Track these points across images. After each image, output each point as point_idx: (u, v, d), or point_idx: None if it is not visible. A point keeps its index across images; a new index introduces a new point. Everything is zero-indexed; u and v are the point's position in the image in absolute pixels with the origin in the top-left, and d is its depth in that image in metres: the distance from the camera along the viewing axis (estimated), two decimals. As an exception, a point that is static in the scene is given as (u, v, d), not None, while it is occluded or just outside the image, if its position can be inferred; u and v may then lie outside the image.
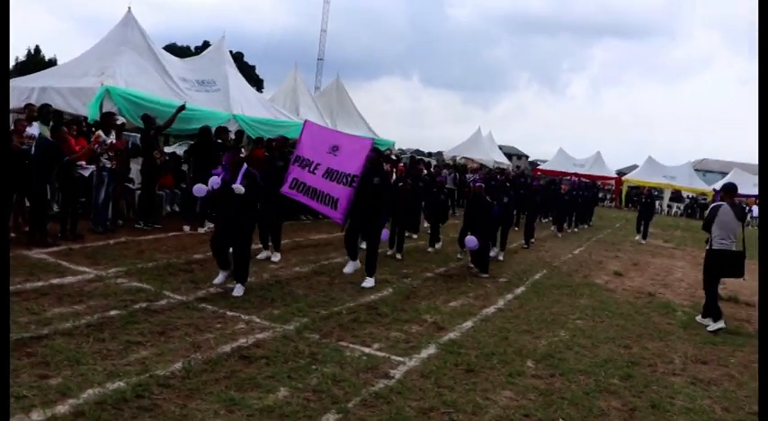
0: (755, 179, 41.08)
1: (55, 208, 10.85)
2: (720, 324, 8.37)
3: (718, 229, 8.50)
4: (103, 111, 10.92)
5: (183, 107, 11.52)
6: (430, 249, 12.80)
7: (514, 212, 15.09)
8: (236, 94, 14.61)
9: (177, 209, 13.34)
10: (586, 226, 22.97)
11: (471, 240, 10.19)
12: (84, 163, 9.64)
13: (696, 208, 42.05)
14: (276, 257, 9.66)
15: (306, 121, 9.44)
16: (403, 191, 11.02)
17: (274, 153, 9.81)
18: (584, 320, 8.26)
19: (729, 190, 8.88)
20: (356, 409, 4.60)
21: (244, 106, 14.52)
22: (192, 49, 54.61)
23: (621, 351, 7.01)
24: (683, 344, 7.51)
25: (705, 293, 8.83)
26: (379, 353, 5.93)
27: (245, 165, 7.61)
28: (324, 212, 8.67)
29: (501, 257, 12.58)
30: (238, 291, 7.45)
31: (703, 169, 65.71)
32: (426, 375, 5.50)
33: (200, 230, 11.42)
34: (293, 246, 10.82)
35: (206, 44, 52.45)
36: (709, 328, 8.37)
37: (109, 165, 10.10)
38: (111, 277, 7.56)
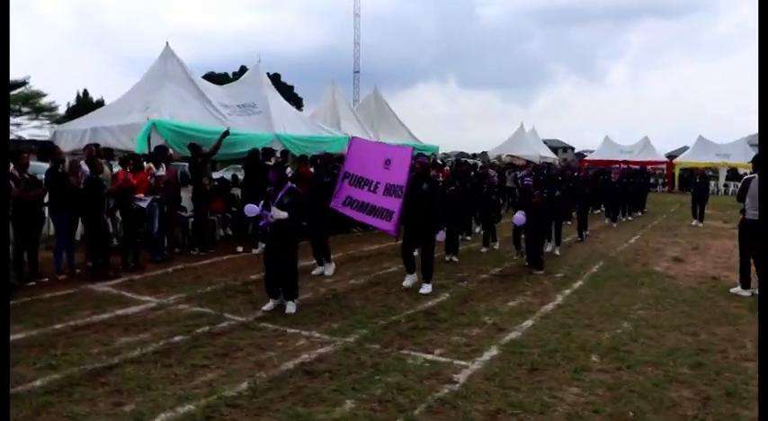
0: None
1: (115, 242, 11.21)
2: (747, 292, 8.93)
3: (750, 200, 8.87)
4: (151, 143, 11.25)
5: (227, 132, 11.77)
6: (483, 250, 12.77)
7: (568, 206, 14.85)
8: (276, 114, 14.87)
9: (230, 232, 13.59)
10: (640, 213, 22.48)
11: (519, 218, 10.17)
12: (142, 194, 9.90)
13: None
14: (330, 270, 9.76)
15: (352, 138, 9.59)
16: (453, 194, 11.00)
17: (320, 169, 9.92)
18: (646, 310, 8.09)
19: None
20: (423, 417, 4.61)
21: (285, 125, 14.76)
22: (230, 74, 55.56)
23: (689, 339, 6.83)
24: (753, 328, 7.24)
25: (740, 261, 9.22)
26: (441, 359, 5.92)
27: (289, 183, 7.72)
28: (376, 226, 8.76)
29: (557, 252, 12.42)
30: (290, 308, 7.53)
31: (758, 143, 63.40)
32: (490, 377, 5.47)
33: (254, 251, 11.59)
34: (346, 259, 10.91)
35: (243, 69, 53.40)
36: (733, 290, 9.11)
37: (159, 197, 10.35)
38: (173, 304, 7.76)
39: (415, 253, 9.15)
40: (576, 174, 18.25)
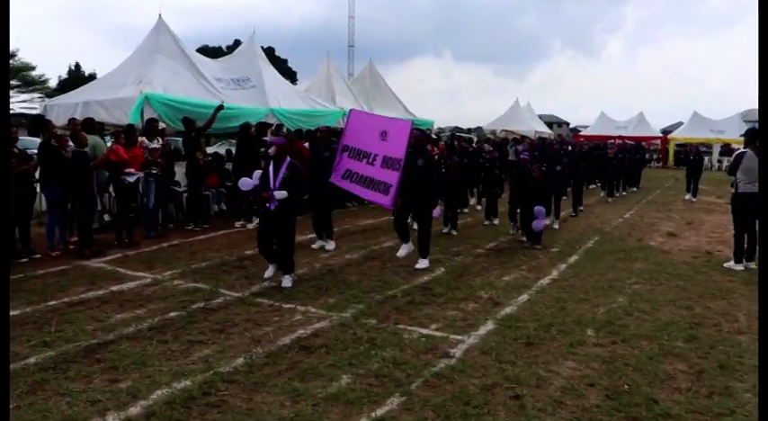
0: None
1: (106, 218, 11.16)
2: (740, 266, 9.03)
3: (743, 174, 8.93)
4: (144, 117, 11.13)
5: (221, 107, 11.65)
6: (486, 223, 12.85)
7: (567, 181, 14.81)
8: (271, 88, 14.71)
9: (225, 207, 13.54)
10: (635, 189, 22.52)
11: (539, 223, 10.13)
12: (132, 169, 9.81)
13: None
14: (330, 245, 9.76)
15: (351, 110, 9.49)
16: (451, 168, 10.94)
17: (320, 144, 9.84)
18: (641, 284, 8.10)
19: (753, 135, 9.24)
20: (419, 391, 4.61)
21: (280, 100, 14.62)
22: (224, 48, 55.04)
23: (683, 312, 6.85)
24: (747, 302, 7.30)
25: (734, 235, 9.29)
26: (437, 334, 5.93)
27: (288, 158, 7.65)
28: (373, 200, 8.71)
29: (556, 226, 12.44)
30: (287, 282, 7.53)
31: (752, 120, 63.24)
32: (486, 352, 5.48)
33: (249, 226, 11.57)
34: (342, 234, 10.88)
35: (237, 42, 52.84)
36: (726, 264, 9.20)
37: (155, 172, 10.28)
38: (168, 280, 7.73)
39: (415, 227, 9.12)
40: (570, 148, 18.16)
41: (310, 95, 16.90)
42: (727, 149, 42.41)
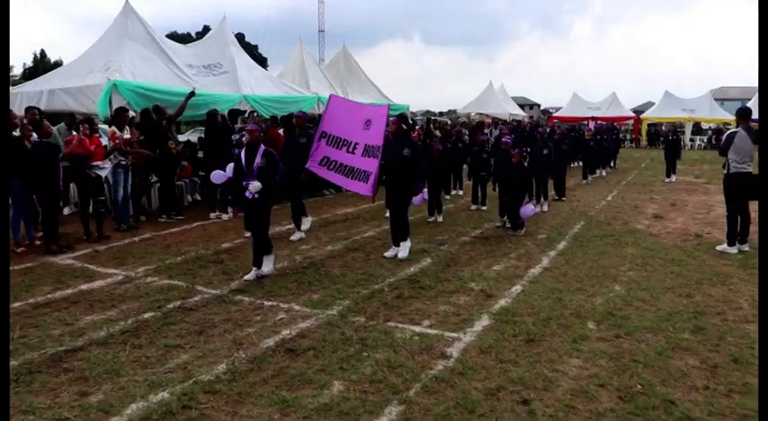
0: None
1: (66, 211, 10.64)
2: (734, 249, 8.78)
3: (735, 154, 8.69)
4: (113, 105, 10.59)
5: (192, 93, 11.15)
6: (473, 207, 12.67)
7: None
8: (243, 74, 14.17)
9: (198, 198, 13.04)
10: (611, 169, 22.43)
11: (526, 210, 9.81)
12: (100, 162, 9.29)
13: (721, 139, 40.95)
14: (306, 224, 9.42)
15: (331, 96, 9.04)
16: (433, 155, 10.56)
17: (295, 130, 9.39)
18: (636, 271, 7.85)
19: (744, 115, 9.10)
20: (419, 398, 4.26)
21: (253, 86, 14.09)
22: (193, 35, 53.91)
23: (684, 301, 6.59)
24: (747, 287, 7.07)
25: (727, 217, 8.98)
26: (430, 331, 5.58)
27: (263, 146, 7.24)
28: (353, 189, 8.33)
29: (545, 208, 12.18)
30: (267, 264, 7.20)
31: (722, 98, 63.60)
32: (486, 350, 5.15)
33: (224, 217, 11.12)
34: (322, 224, 10.48)
35: (206, 29, 51.70)
36: (719, 248, 8.95)
37: (124, 162, 9.77)
38: (141, 277, 7.28)
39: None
40: (546, 131, 17.94)
41: (284, 81, 16.36)
42: (697, 128, 42.77)
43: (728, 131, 9.36)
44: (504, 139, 11.45)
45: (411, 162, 8.16)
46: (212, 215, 11.16)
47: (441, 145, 11.66)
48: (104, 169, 9.43)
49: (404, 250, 8.30)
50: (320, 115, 11.45)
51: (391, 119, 8.56)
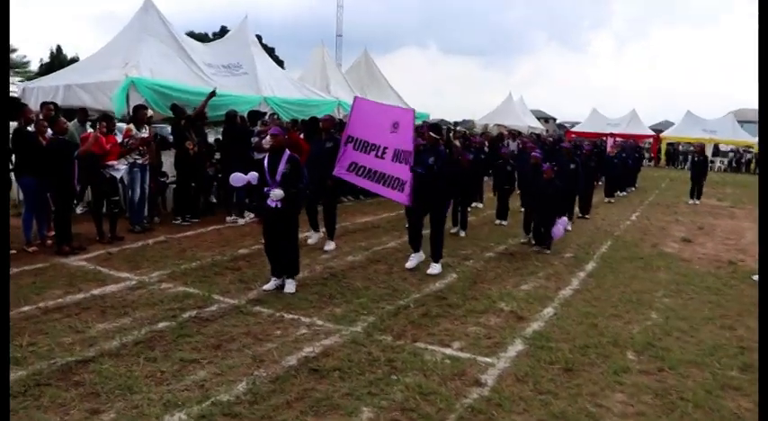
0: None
1: (78, 210, 10.38)
2: None
3: None
4: (130, 103, 10.34)
5: (213, 93, 10.87)
6: (497, 222, 12.28)
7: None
8: (264, 75, 13.93)
9: (215, 200, 12.74)
10: (633, 189, 21.99)
11: (558, 230, 9.49)
12: (116, 162, 9.01)
13: (742, 162, 40.46)
14: (330, 246, 9.02)
15: (356, 98, 8.72)
16: (462, 165, 10.20)
17: (321, 134, 9.07)
18: (671, 298, 7.49)
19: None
20: (456, 431, 3.93)
21: (274, 88, 13.85)
22: (210, 35, 53.83)
23: (726, 334, 6.23)
24: (792, 321, 6.69)
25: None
26: (462, 355, 5.25)
27: (288, 151, 6.93)
28: (389, 196, 8.04)
29: (569, 227, 11.81)
30: (290, 286, 6.85)
31: (742, 120, 62.93)
32: (522, 379, 4.81)
33: (241, 221, 10.82)
34: (341, 233, 10.11)
35: (224, 29, 51.74)
36: (756, 277, 8.37)
37: (140, 161, 9.49)
38: (155, 282, 6.97)
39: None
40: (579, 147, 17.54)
41: (305, 84, 16.10)
42: (717, 150, 42.23)
43: None
44: (533, 154, 11.10)
45: (437, 172, 7.80)
46: (228, 219, 10.85)
47: (471, 155, 11.31)
48: (119, 170, 9.13)
49: (433, 269, 7.97)
50: (342, 120, 11.17)
51: (423, 130, 8.25)
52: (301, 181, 6.78)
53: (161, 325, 5.58)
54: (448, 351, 5.32)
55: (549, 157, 13.13)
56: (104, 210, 9.06)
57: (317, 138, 9.23)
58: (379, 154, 8.00)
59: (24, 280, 6.76)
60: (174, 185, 11.02)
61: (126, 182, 9.47)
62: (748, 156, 40.41)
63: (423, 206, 7.93)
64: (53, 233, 8.54)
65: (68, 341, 5.09)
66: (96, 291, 6.52)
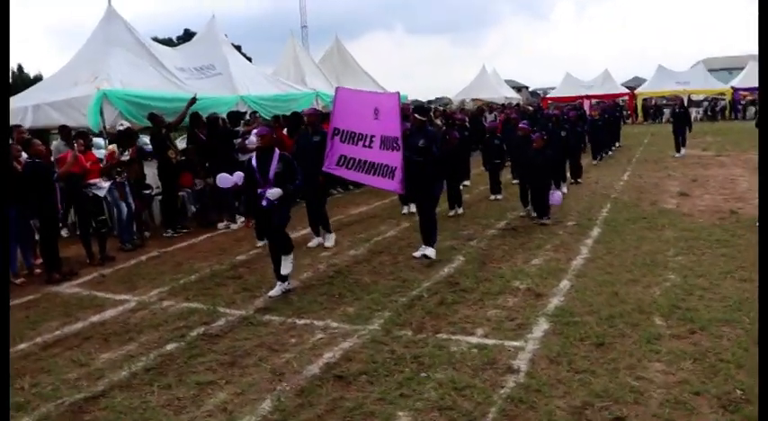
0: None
1: (64, 233, 10.02)
2: None
3: None
4: (105, 116, 9.98)
5: (194, 100, 10.54)
6: (492, 197, 12.12)
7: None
8: (238, 74, 13.53)
9: (194, 209, 12.38)
10: (618, 144, 21.94)
11: (555, 197, 9.27)
12: (98, 180, 8.68)
13: (717, 110, 40.60)
14: (330, 241, 8.77)
15: (337, 88, 8.41)
16: (450, 144, 9.94)
17: (307, 129, 8.76)
18: (684, 256, 7.33)
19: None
20: (500, 426, 3.72)
21: (249, 86, 13.45)
22: (174, 39, 52.89)
23: (747, 286, 6.06)
24: (812, 265, 6.54)
25: None
26: (488, 341, 5.03)
27: (278, 150, 6.66)
28: (380, 186, 7.77)
29: (565, 190, 11.64)
30: (286, 265, 6.58)
31: (711, 69, 63.15)
32: (556, 360, 4.60)
33: (233, 227, 10.52)
34: (337, 226, 9.83)
35: (187, 32, 50.82)
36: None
37: (118, 179, 9.13)
38: (155, 301, 6.68)
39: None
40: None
41: (279, 78, 15.73)
42: (690, 101, 42.26)
43: None
44: (521, 125, 10.89)
45: (427, 153, 7.54)
46: (220, 225, 10.54)
47: (458, 133, 11.07)
48: (102, 189, 8.79)
49: (429, 251, 7.74)
50: (321, 111, 10.88)
51: (408, 109, 7.98)
52: (296, 178, 6.53)
53: (169, 347, 5.31)
54: (473, 339, 5.10)
55: (533, 125, 12.92)
56: (91, 230, 8.72)
57: (303, 132, 8.93)
58: (367, 143, 7.72)
59: (17, 315, 6.41)
60: (160, 197, 10.68)
61: (110, 200, 9.13)
62: (722, 103, 40.53)
63: (419, 190, 7.69)
64: (40, 261, 8.21)
65: (74, 376, 4.80)
66: (95, 318, 6.22)
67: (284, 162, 6.50)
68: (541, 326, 5.31)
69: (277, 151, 6.59)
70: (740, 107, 39.33)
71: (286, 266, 6.62)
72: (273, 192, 6.36)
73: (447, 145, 9.63)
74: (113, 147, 9.17)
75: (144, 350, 5.28)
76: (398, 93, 8.09)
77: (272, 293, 6.57)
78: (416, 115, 7.90)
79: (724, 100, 40.32)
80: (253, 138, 10.76)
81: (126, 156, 9.24)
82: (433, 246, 7.80)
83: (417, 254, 7.82)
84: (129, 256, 8.86)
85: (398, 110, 7.62)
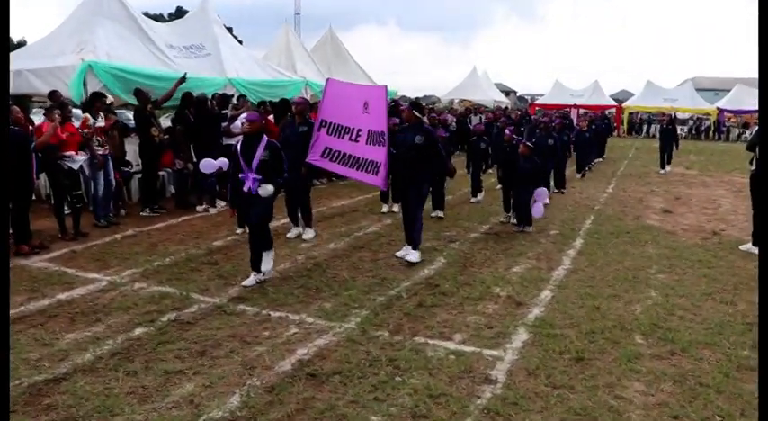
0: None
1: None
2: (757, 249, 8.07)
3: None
4: (88, 89, 9.71)
5: (183, 78, 10.34)
6: (472, 200, 12.01)
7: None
8: (228, 56, 13.29)
9: (173, 190, 12.15)
10: (601, 159, 21.91)
11: (538, 208, 9.14)
12: (74, 152, 8.43)
13: (701, 129, 40.99)
14: (309, 234, 8.60)
15: (328, 80, 8.22)
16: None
17: (294, 118, 8.57)
18: (665, 274, 7.29)
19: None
20: (475, 439, 3.61)
21: (239, 69, 13.22)
22: (166, 16, 52.24)
23: (729, 310, 6.04)
24: (792, 293, 6.52)
25: (753, 216, 8.42)
26: (466, 349, 4.92)
27: (266, 137, 6.49)
28: (363, 180, 7.61)
29: (547, 201, 11.53)
30: (267, 261, 6.49)
31: (698, 88, 63.63)
32: (534, 373, 4.51)
33: (212, 210, 10.32)
34: (318, 218, 9.66)
35: (180, 10, 50.24)
36: (743, 247, 8.48)
37: (101, 152, 8.90)
38: (127, 282, 6.49)
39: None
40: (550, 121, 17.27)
41: (270, 64, 15.49)
42: (676, 118, 42.54)
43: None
44: (506, 131, 10.79)
45: (424, 150, 7.39)
46: (199, 208, 10.33)
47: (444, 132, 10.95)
48: (77, 161, 8.53)
49: (411, 256, 7.54)
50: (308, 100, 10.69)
51: (402, 106, 7.85)
52: (283, 168, 6.36)
53: (138, 331, 5.14)
54: (450, 345, 4.99)
55: (518, 131, 12.86)
56: (66, 205, 8.48)
57: (290, 121, 8.74)
58: (353, 137, 7.56)
59: (-17, 286, 6.20)
60: (140, 175, 10.44)
61: (87, 173, 8.87)
62: (707, 123, 40.96)
63: (407, 188, 7.54)
64: (11, 231, 7.95)
65: (35, 356, 4.61)
66: (63, 296, 6.02)
67: (271, 150, 6.34)
68: (521, 337, 5.21)
69: (265, 138, 6.43)
70: (724, 128, 39.86)
71: (266, 262, 6.49)
72: (266, 189, 6.23)
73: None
74: (86, 114, 8.88)
75: (111, 333, 5.10)
76: (386, 86, 7.95)
77: (246, 283, 6.40)
78: (414, 112, 7.77)
79: (709, 120, 40.75)
80: (238, 123, 10.62)
81: (101, 121, 8.97)
82: (417, 248, 7.66)
83: (400, 254, 7.68)
84: (104, 234, 8.63)
85: (386, 103, 7.49)
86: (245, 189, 6.33)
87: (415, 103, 8.24)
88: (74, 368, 4.41)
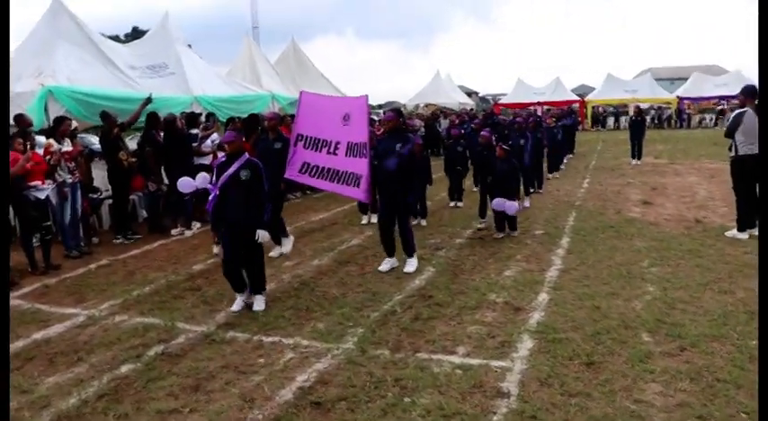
0: (716, 80, 40.77)
1: None
2: (744, 235, 8.31)
3: (743, 135, 8.17)
4: (50, 115, 9.35)
5: (149, 100, 10.01)
6: (451, 204, 11.90)
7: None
8: (192, 74, 12.98)
9: (146, 214, 11.78)
10: (571, 155, 21.94)
11: (511, 206, 8.87)
12: (39, 182, 8.06)
13: (663, 119, 41.60)
14: (287, 246, 8.32)
15: (302, 93, 7.97)
16: (417, 151, 9.59)
17: (268, 134, 8.30)
18: (658, 266, 7.19)
19: (751, 94, 8.28)
20: (500, 460, 3.41)
21: (204, 86, 12.94)
22: (122, 37, 51.38)
23: (729, 299, 5.94)
24: (788, 277, 6.46)
25: (737, 202, 8.47)
26: (472, 362, 4.72)
27: (246, 155, 6.23)
28: (344, 193, 7.39)
29: (527, 204, 11.41)
30: (259, 303, 6.19)
31: (660, 78, 64.50)
32: (546, 382, 4.32)
33: (188, 233, 9.99)
34: (299, 234, 9.43)
35: (136, 30, 49.52)
36: (729, 234, 8.49)
37: (70, 179, 8.55)
38: (107, 315, 6.16)
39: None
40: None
41: (235, 79, 15.20)
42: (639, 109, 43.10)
43: (736, 112, 8.73)
44: (482, 133, 10.63)
45: (405, 161, 7.20)
46: (174, 231, 9.99)
47: (420, 139, 10.76)
48: (44, 190, 8.15)
49: (410, 266, 7.38)
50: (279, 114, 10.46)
51: (386, 114, 7.66)
52: (262, 188, 6.09)
53: (125, 369, 4.83)
54: (455, 359, 4.78)
55: (518, 133, 12.66)
56: (35, 239, 8.10)
57: (263, 137, 8.48)
58: (332, 150, 7.33)
59: (-48, 331, 5.83)
60: (110, 201, 10.07)
61: (54, 202, 8.49)
62: (668, 112, 41.58)
63: (392, 202, 7.32)
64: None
65: (14, 406, 4.26)
66: (39, 336, 5.67)
67: (251, 169, 6.07)
68: (526, 344, 5.03)
69: (245, 156, 6.17)
70: (685, 116, 40.52)
71: (259, 303, 6.20)
72: (263, 235, 6.07)
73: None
74: (50, 140, 8.51)
75: (95, 373, 4.78)
76: (366, 96, 7.76)
77: (233, 308, 6.12)
78: (399, 119, 7.58)
79: (670, 109, 41.36)
80: (209, 142, 10.34)
81: (67, 146, 8.62)
82: (413, 256, 7.48)
83: (384, 268, 7.44)
84: (76, 265, 8.26)
85: (366, 114, 7.31)
86: (210, 198, 6.13)
87: (397, 110, 8.07)
88: (58, 416, 4.10)
